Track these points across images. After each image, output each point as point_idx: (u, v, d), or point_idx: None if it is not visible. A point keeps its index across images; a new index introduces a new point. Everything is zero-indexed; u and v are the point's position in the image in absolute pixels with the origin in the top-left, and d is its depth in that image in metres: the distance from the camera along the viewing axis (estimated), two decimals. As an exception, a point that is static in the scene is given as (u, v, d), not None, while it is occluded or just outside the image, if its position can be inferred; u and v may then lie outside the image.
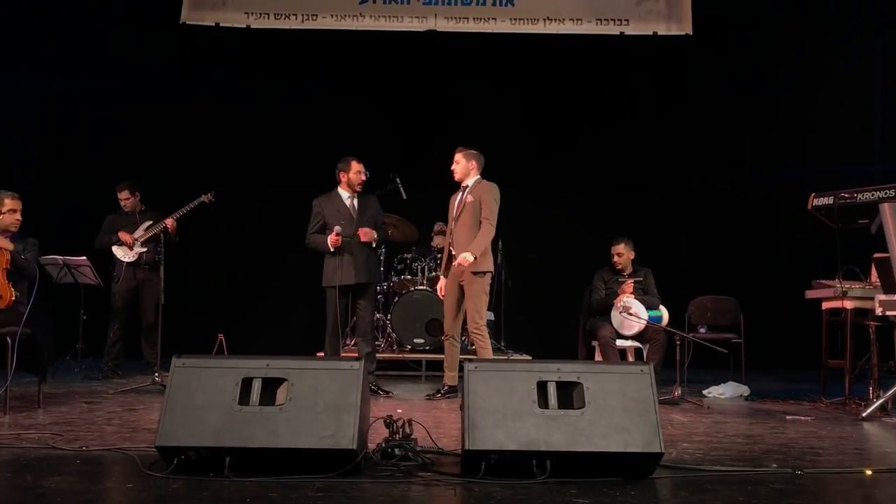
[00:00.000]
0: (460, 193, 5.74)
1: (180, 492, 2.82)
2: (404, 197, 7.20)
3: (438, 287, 5.86)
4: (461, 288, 5.61)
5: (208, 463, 3.02)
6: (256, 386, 3.13)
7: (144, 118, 8.18)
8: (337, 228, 5.61)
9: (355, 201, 5.77)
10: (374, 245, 5.82)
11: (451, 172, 5.78)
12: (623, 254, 6.22)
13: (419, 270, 7.54)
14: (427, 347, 7.20)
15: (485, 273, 5.56)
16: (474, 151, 5.74)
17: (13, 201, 4.90)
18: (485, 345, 5.52)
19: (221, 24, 7.65)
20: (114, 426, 4.21)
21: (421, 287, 7.34)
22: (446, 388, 5.65)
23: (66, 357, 6.96)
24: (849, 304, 5.51)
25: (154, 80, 8.21)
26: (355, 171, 5.76)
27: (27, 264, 4.87)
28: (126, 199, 6.72)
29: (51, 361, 5.79)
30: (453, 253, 5.67)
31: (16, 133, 8.18)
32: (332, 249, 5.60)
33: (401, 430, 3.38)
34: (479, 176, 5.72)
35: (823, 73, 8.12)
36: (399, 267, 7.66)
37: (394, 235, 7.46)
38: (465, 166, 5.70)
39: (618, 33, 7.69)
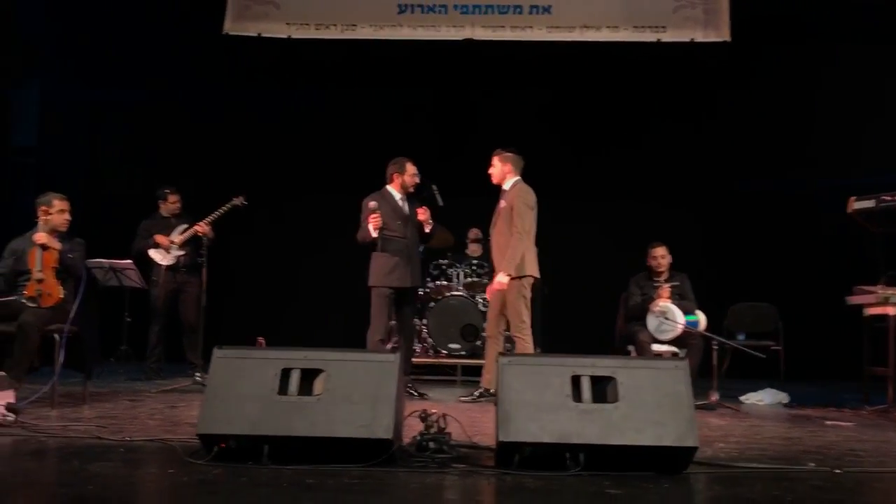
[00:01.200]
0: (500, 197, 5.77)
1: (220, 477, 2.88)
2: (441, 204, 7.22)
3: (489, 288, 5.86)
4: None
5: (247, 452, 3.08)
6: (295, 376, 3.20)
7: (187, 126, 8.36)
8: (372, 204, 5.57)
9: (406, 203, 5.80)
10: (427, 230, 5.79)
11: (489, 176, 5.80)
12: (665, 256, 6.19)
13: (455, 276, 7.59)
14: (462, 353, 7.23)
15: (521, 277, 5.55)
16: (510, 154, 5.74)
17: (62, 202, 5.06)
18: (526, 347, 5.50)
19: (263, 35, 7.79)
20: (156, 420, 4.32)
21: (457, 293, 7.38)
22: (481, 390, 5.66)
23: (111, 359, 7.13)
24: (892, 311, 5.42)
25: (198, 89, 8.39)
26: (410, 174, 5.79)
27: (74, 263, 5.02)
28: (175, 202, 6.86)
29: (96, 360, 5.92)
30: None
31: (67, 141, 8.44)
32: (374, 234, 5.55)
33: (435, 424, 3.42)
34: (516, 178, 5.72)
35: (865, 77, 8.00)
36: (435, 273, 7.71)
37: (430, 242, 7.51)
38: (500, 170, 5.73)
39: (654, 40, 7.64)
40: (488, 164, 5.85)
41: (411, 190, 5.83)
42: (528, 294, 5.61)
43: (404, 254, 5.64)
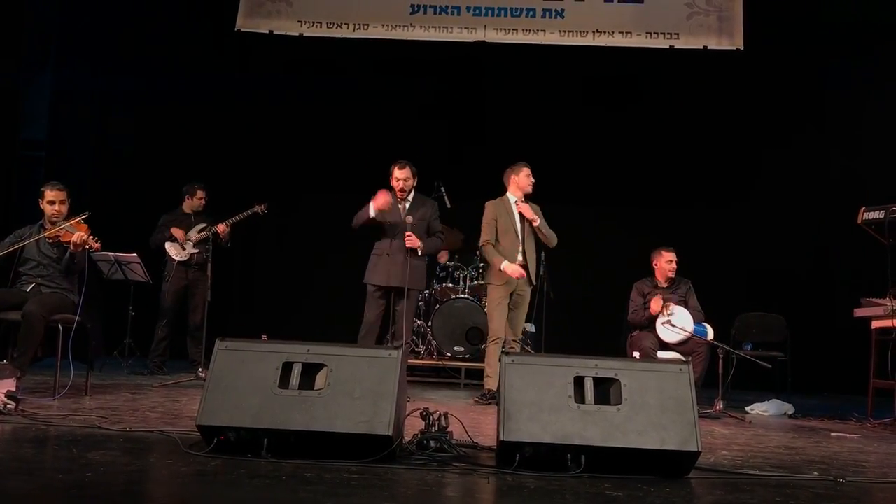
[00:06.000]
0: (515, 206, 5.84)
1: (218, 469, 2.88)
2: (448, 205, 7.25)
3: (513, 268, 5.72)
4: (512, 297, 5.77)
5: (247, 445, 3.07)
6: (296, 370, 3.19)
7: (197, 121, 8.35)
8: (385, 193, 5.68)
9: (407, 203, 5.84)
10: (420, 254, 5.77)
11: (532, 190, 5.89)
12: (674, 261, 6.17)
13: (461, 279, 7.56)
14: (467, 356, 7.21)
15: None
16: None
17: (52, 192, 4.96)
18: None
19: (275, 32, 7.81)
20: (157, 413, 4.31)
21: (462, 296, 7.35)
22: (490, 391, 5.67)
23: (114, 352, 7.12)
24: (899, 324, 5.36)
25: (209, 83, 8.38)
26: (394, 179, 5.82)
27: (75, 264, 4.97)
28: (201, 199, 6.89)
29: (99, 352, 5.91)
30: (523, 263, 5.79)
31: (76, 134, 8.45)
32: (372, 214, 5.63)
33: (437, 422, 3.40)
34: None
35: (877, 85, 7.95)
36: (441, 275, 7.68)
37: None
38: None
39: (667, 47, 7.63)
40: (498, 169, 5.95)
41: (398, 191, 5.81)
42: None
43: (392, 252, 5.68)
